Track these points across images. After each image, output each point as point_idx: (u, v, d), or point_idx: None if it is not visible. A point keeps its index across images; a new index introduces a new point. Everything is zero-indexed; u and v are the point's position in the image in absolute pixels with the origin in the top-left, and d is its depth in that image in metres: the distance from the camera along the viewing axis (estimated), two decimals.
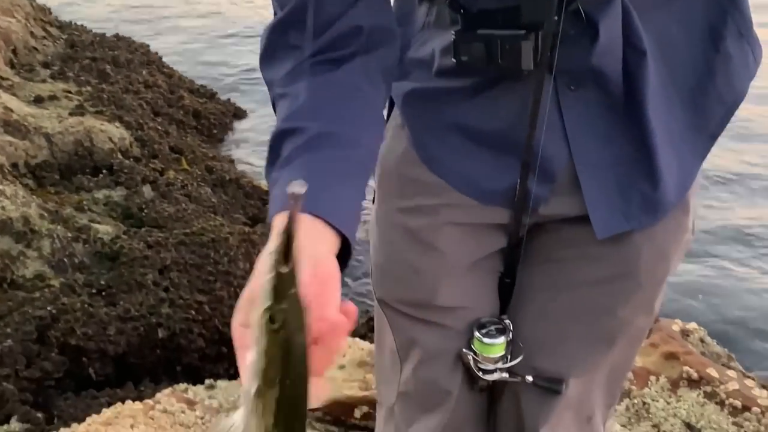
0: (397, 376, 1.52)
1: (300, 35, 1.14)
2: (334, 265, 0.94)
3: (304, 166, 1.02)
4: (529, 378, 1.42)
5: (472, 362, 1.43)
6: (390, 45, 1.21)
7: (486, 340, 1.42)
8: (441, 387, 1.47)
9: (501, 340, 1.42)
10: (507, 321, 1.45)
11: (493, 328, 1.43)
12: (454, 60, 1.27)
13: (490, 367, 1.43)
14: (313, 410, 2.67)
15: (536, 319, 1.44)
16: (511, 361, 1.43)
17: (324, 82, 1.12)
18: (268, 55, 1.20)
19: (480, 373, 1.43)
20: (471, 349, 1.43)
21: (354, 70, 1.14)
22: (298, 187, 0.75)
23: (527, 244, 1.41)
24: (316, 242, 0.94)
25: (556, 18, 1.18)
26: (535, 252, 1.43)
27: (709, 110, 1.32)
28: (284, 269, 0.76)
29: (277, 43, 1.19)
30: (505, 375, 1.43)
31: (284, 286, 0.76)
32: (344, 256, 1.00)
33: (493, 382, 1.45)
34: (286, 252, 0.76)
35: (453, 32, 1.27)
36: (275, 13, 1.21)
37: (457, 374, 1.47)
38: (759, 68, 1.37)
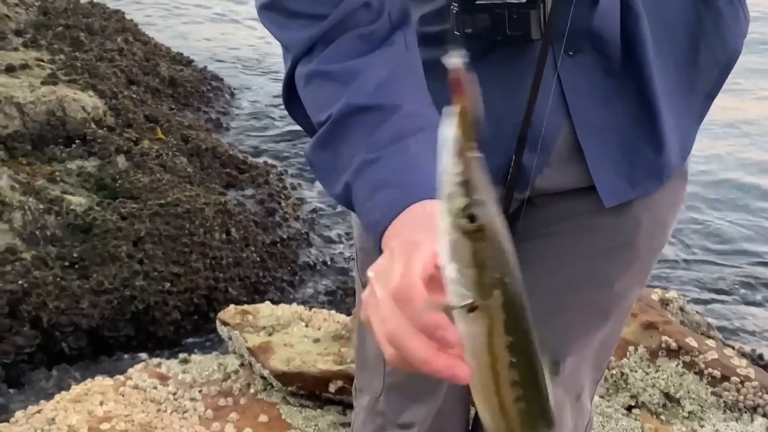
0: (382, 365, 1.47)
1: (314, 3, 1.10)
2: None
3: (403, 153, 1.01)
4: None
5: None
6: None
7: None
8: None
9: None
10: None
11: None
12: (457, 33, 1.21)
13: None
14: (286, 385, 2.62)
15: (529, 296, 1.40)
16: None
17: (384, 58, 1.09)
18: (278, 15, 1.14)
19: None
20: None
21: (401, 42, 1.11)
22: (457, 60, 0.65)
23: (515, 220, 1.36)
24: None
25: None
26: (524, 228, 1.38)
27: (703, 69, 1.30)
28: (471, 153, 0.65)
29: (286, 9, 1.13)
30: None
31: (474, 174, 0.66)
32: None
33: None
34: (466, 135, 0.65)
35: (455, 4, 1.20)
36: None
37: None
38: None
